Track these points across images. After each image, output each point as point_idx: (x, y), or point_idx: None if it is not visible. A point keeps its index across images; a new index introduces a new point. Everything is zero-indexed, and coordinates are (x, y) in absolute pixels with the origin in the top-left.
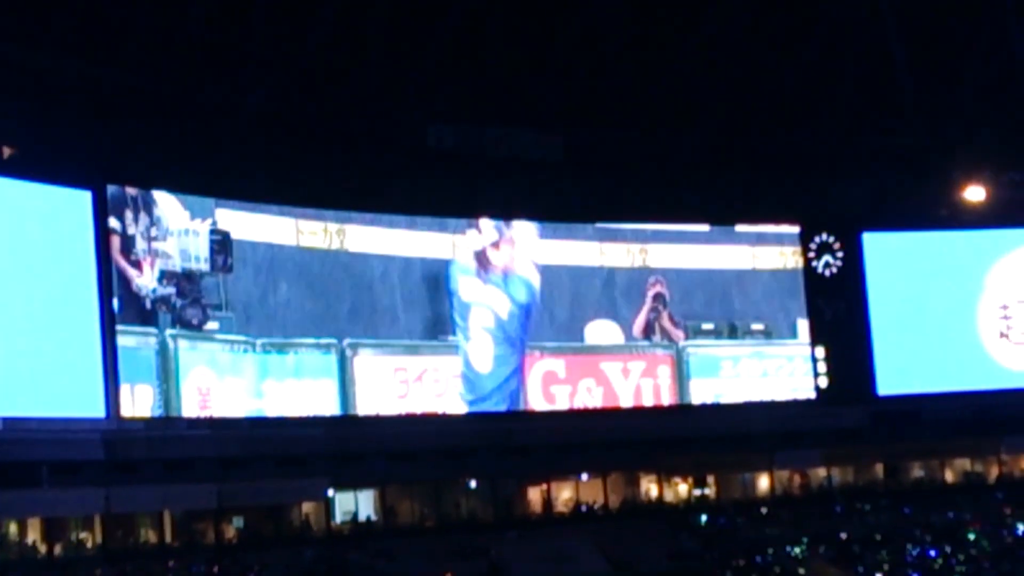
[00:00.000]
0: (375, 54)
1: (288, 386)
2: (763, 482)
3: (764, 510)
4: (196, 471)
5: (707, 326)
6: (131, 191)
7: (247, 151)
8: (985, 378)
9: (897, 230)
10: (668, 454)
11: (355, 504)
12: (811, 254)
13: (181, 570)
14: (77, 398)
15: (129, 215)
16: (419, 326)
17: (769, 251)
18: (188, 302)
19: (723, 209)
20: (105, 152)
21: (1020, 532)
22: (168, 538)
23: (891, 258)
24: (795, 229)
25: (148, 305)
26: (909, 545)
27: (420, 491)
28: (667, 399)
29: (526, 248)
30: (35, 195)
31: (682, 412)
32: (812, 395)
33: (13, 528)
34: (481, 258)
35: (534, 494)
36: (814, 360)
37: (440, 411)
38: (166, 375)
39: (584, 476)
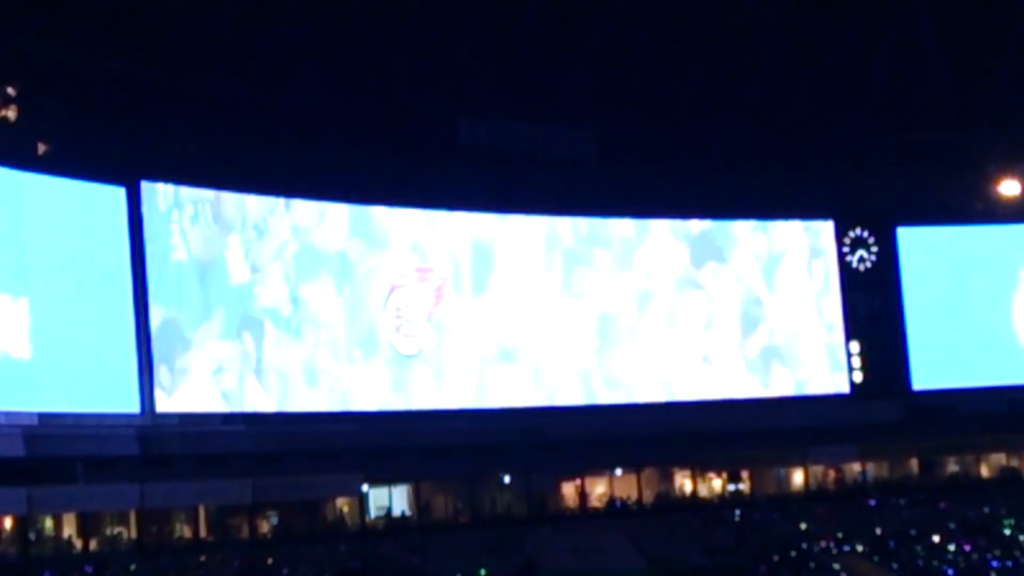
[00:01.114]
0: (408, 49)
1: None
2: (797, 477)
3: (800, 505)
4: (230, 466)
5: None
6: None
7: (281, 147)
8: (1020, 372)
9: (931, 224)
10: (702, 449)
11: (389, 499)
12: (845, 249)
13: (215, 565)
14: (112, 394)
15: None
16: None
17: None
18: None
19: (757, 204)
20: (139, 149)
21: None
22: (203, 533)
23: (925, 252)
24: (829, 224)
25: None
26: (944, 540)
27: (454, 486)
28: None
29: None
30: (70, 191)
31: (716, 407)
32: (847, 390)
33: (49, 523)
34: None
35: (568, 489)
36: (848, 355)
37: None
38: None
39: (618, 471)
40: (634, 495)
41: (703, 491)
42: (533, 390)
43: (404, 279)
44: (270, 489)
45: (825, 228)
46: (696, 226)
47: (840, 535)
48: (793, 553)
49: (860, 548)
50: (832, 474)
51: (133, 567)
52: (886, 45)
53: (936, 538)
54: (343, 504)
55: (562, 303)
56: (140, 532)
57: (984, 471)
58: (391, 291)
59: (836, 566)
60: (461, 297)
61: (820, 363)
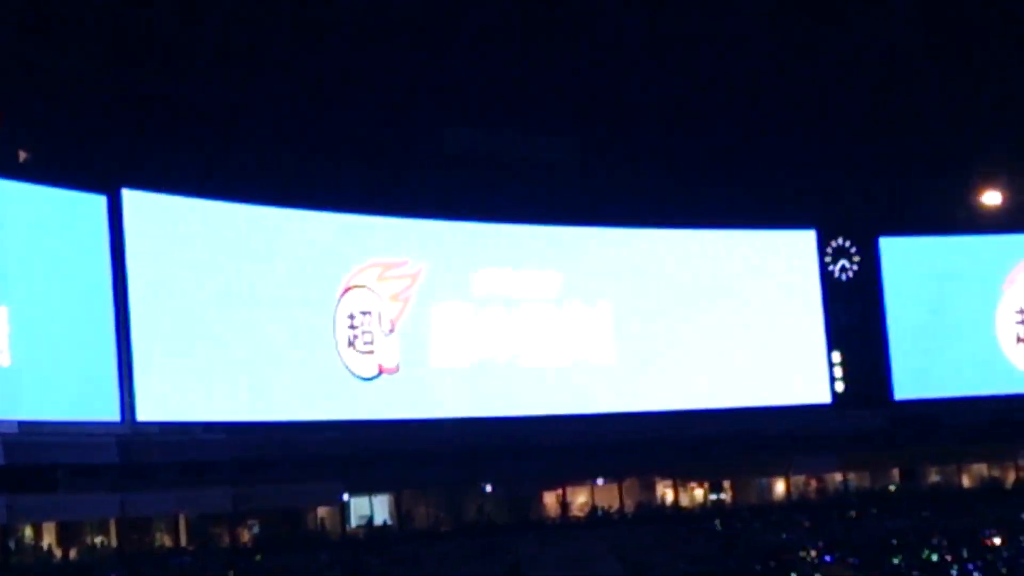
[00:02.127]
0: (391, 58)
1: None
2: (779, 487)
3: (782, 515)
4: (211, 475)
5: None
6: None
7: (263, 155)
8: (1003, 383)
9: (914, 234)
10: (684, 458)
11: (370, 508)
12: (828, 258)
13: (196, 574)
14: (92, 402)
15: None
16: None
17: None
18: None
19: (739, 213)
20: (120, 156)
21: None
22: (183, 542)
23: (908, 262)
24: (812, 233)
25: None
26: (926, 550)
27: (435, 495)
28: None
29: None
30: (50, 199)
31: (698, 416)
32: (829, 400)
33: (29, 532)
34: None
35: (550, 498)
36: (831, 364)
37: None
38: None
39: (600, 480)
40: (616, 504)
41: (685, 500)
42: (515, 399)
43: (362, 276)
44: (251, 498)
45: (807, 238)
46: (678, 235)
47: (822, 544)
48: (774, 563)
49: (842, 558)
50: (814, 484)
51: None
52: (869, 54)
53: (918, 548)
54: (324, 513)
55: (543, 311)
56: (120, 541)
57: (966, 481)
58: (343, 293)
59: None
60: (436, 301)
61: (802, 373)
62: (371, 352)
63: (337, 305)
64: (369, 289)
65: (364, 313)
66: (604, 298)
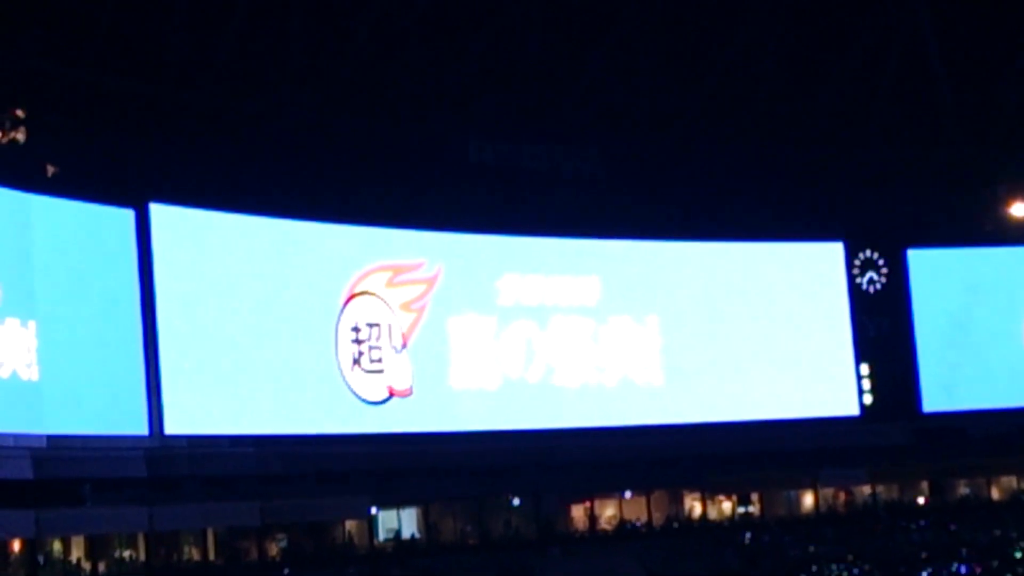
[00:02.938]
0: (417, 70)
1: None
2: (808, 499)
3: (810, 528)
4: (239, 489)
5: None
6: None
7: (290, 168)
8: None
9: (941, 246)
10: (712, 471)
11: (398, 521)
12: (855, 270)
13: None
14: (120, 416)
15: None
16: None
17: None
18: None
19: (767, 225)
20: (147, 171)
21: None
22: (211, 556)
23: (936, 274)
24: (839, 245)
25: None
26: (955, 563)
27: (463, 508)
28: None
29: None
30: (78, 213)
31: (726, 429)
32: (857, 412)
33: (57, 546)
34: None
35: (577, 511)
36: (859, 377)
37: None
38: None
39: (627, 494)
40: (644, 517)
41: (713, 513)
42: (542, 412)
43: (369, 282)
44: (279, 512)
45: (835, 250)
46: (704, 248)
47: (851, 557)
48: None
49: (870, 571)
50: (842, 496)
51: None
52: (894, 65)
53: (947, 561)
54: (352, 526)
55: (570, 323)
56: (149, 555)
57: (995, 494)
58: (347, 302)
59: None
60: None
61: (830, 385)
62: (380, 372)
63: (339, 316)
64: (377, 297)
65: (371, 325)
66: (631, 312)
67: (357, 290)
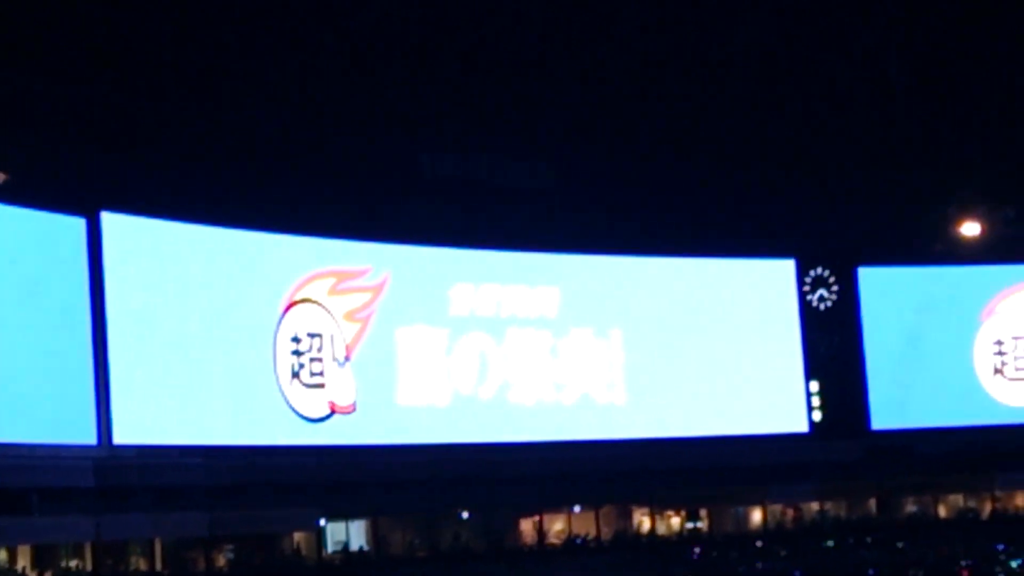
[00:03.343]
0: (370, 83)
1: None
2: (756, 516)
3: (757, 544)
4: (187, 499)
5: None
6: None
7: (243, 179)
8: (979, 413)
9: (892, 265)
10: (661, 487)
11: (347, 534)
12: (806, 288)
13: None
14: (69, 425)
15: None
16: None
17: None
18: None
19: (718, 241)
20: (99, 179)
21: (1016, 567)
22: (159, 566)
23: (886, 292)
24: (791, 262)
25: None
26: None
27: (412, 522)
28: None
29: None
30: (29, 221)
31: (675, 445)
32: (806, 429)
33: (3, 555)
34: None
35: (526, 526)
36: (808, 394)
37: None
38: None
39: (576, 508)
40: (592, 532)
41: (661, 529)
42: (495, 428)
43: (311, 289)
44: (227, 522)
45: (786, 267)
46: (655, 263)
47: (798, 573)
48: None
49: None
50: (791, 513)
51: None
52: (850, 86)
53: None
54: (300, 538)
55: (528, 336)
56: (96, 565)
57: (942, 511)
58: (287, 310)
59: None
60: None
61: (780, 401)
62: (320, 386)
63: (278, 326)
64: (319, 305)
65: (312, 336)
66: (593, 325)
67: (297, 297)
